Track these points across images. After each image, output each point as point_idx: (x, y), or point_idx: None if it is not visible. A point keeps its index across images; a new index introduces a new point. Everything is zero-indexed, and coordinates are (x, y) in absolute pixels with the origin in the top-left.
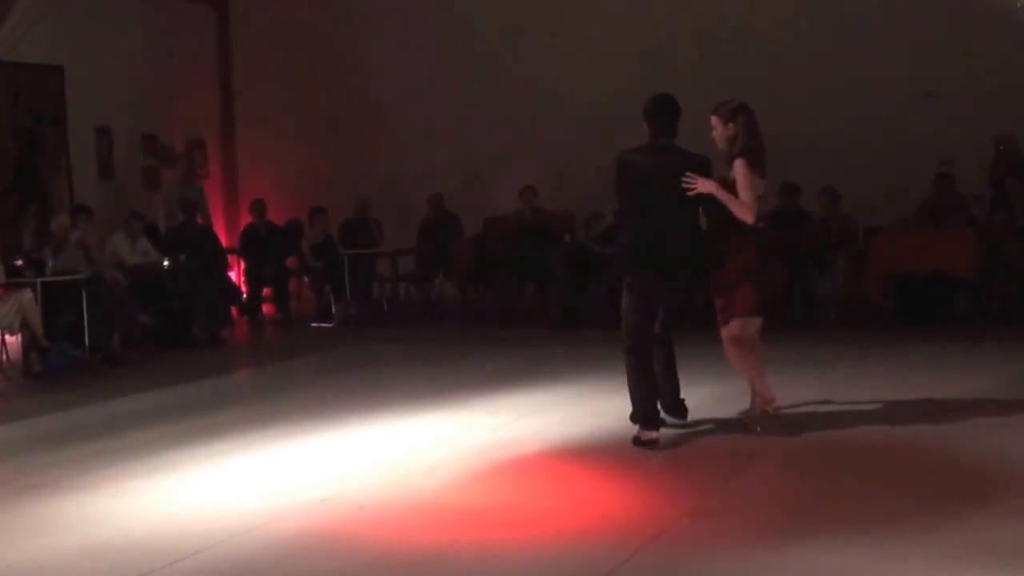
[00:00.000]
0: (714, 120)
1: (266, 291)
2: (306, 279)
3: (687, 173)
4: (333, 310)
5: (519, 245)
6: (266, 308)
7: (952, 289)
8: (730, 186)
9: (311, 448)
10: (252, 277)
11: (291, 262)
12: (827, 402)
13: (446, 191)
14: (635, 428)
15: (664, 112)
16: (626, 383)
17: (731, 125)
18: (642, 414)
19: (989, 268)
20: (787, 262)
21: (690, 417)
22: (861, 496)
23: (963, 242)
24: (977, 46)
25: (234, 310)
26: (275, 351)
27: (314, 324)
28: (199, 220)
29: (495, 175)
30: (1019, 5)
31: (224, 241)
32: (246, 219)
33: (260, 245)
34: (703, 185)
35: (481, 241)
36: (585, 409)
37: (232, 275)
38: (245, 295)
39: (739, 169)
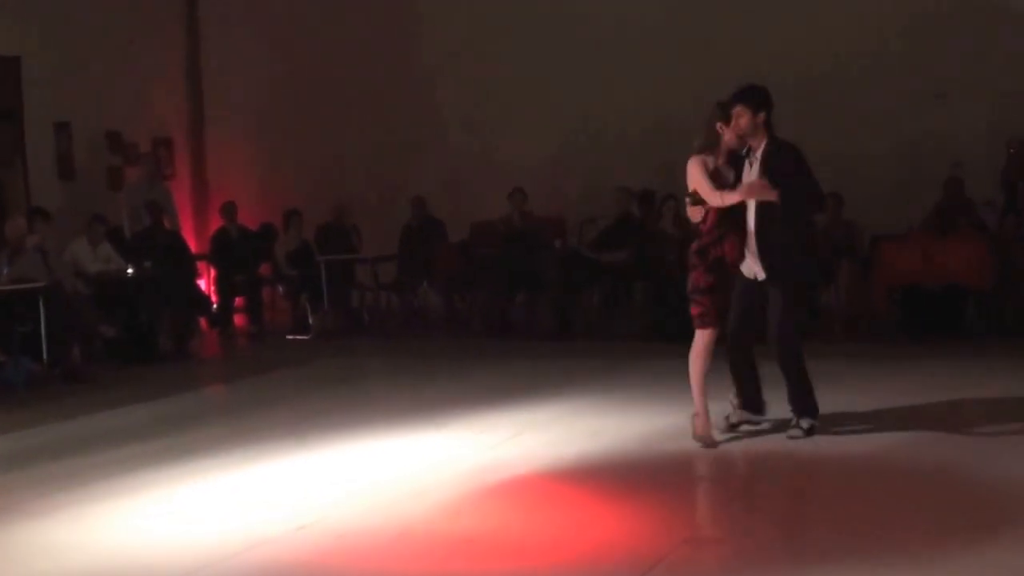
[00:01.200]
0: (739, 109)
1: (238, 301)
2: (281, 288)
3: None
4: (310, 321)
5: (508, 251)
6: (238, 319)
7: (962, 300)
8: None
9: (287, 471)
10: (223, 286)
11: (265, 269)
12: (831, 420)
13: (429, 194)
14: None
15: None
16: (627, 398)
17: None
18: (814, 407)
19: (1001, 276)
20: None
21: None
22: (868, 520)
23: (975, 251)
24: (988, 48)
25: (203, 321)
26: (248, 365)
27: (290, 336)
28: (166, 224)
29: (481, 177)
30: None
31: (193, 247)
32: (216, 223)
33: (231, 251)
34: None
35: (467, 247)
36: (582, 427)
37: (201, 283)
38: (215, 305)
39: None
